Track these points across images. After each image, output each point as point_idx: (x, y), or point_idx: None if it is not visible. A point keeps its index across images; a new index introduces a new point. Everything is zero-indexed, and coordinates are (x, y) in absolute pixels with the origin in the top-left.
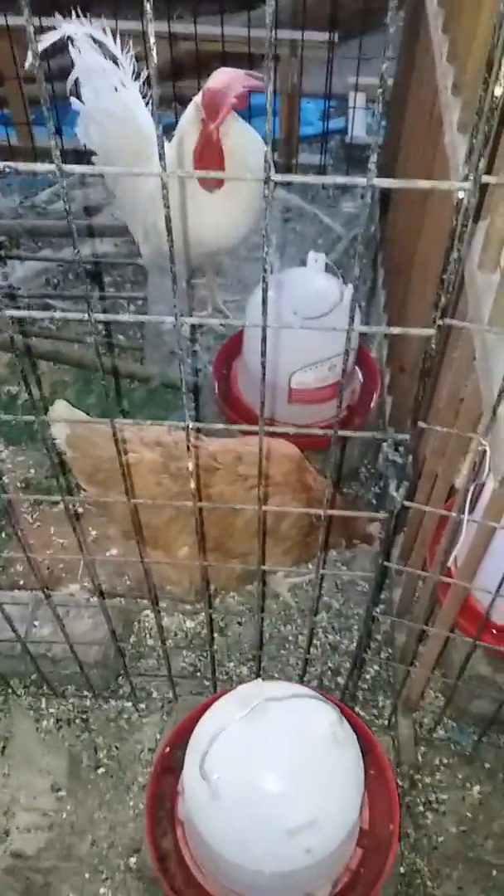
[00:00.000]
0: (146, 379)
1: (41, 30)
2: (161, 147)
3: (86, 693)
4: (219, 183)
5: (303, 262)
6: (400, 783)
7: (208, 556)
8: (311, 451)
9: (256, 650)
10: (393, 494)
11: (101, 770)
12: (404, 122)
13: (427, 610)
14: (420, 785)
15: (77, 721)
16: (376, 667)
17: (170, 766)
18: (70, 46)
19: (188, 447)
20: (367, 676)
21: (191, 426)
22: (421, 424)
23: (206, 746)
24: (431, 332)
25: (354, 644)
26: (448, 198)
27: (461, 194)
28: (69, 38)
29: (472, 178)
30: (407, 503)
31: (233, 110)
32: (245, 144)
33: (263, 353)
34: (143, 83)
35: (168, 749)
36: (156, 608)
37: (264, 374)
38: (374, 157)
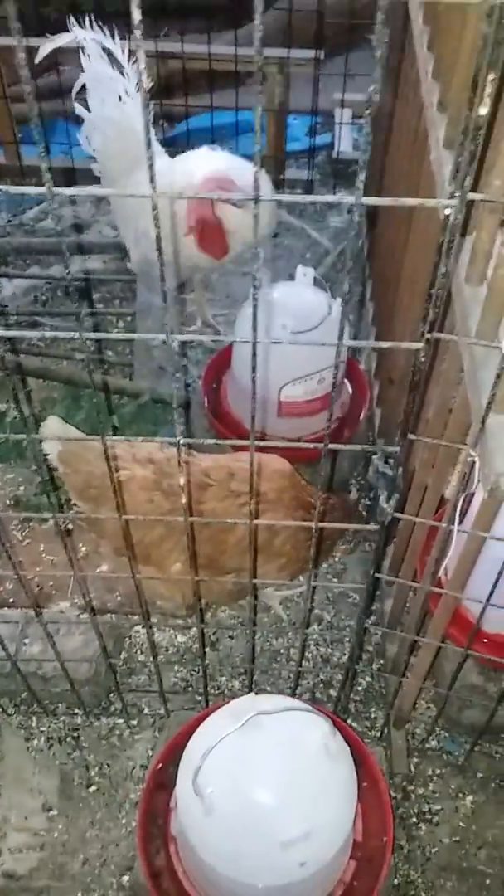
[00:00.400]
0: (136, 394)
1: (29, 51)
2: (152, 169)
3: (77, 711)
4: (224, 253)
5: (291, 277)
6: (393, 794)
7: (201, 573)
8: (302, 464)
9: (248, 664)
10: (383, 506)
11: (92, 788)
12: (391, 136)
13: (418, 621)
14: (413, 796)
15: (68, 739)
16: (368, 678)
17: (162, 783)
18: (81, 53)
19: (178, 462)
20: (360, 688)
21: (181, 442)
22: (410, 436)
23: (200, 761)
24: (420, 345)
25: (346, 656)
26: (434, 213)
27: (448, 211)
28: (80, 46)
29: (458, 195)
30: (397, 514)
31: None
32: (244, 224)
33: (254, 369)
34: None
35: (160, 765)
36: (147, 624)
37: (255, 390)
38: (361, 176)
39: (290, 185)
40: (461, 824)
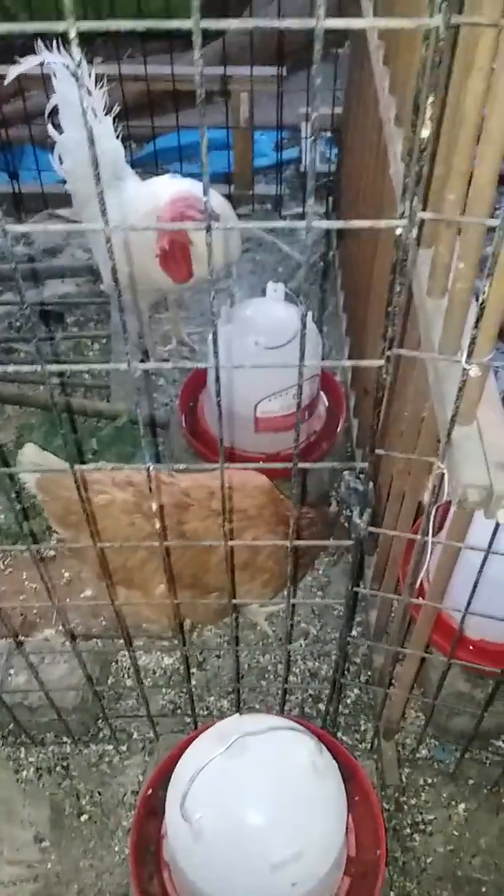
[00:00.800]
0: (113, 416)
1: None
2: (102, 203)
3: (65, 739)
4: (189, 276)
5: (264, 292)
6: (386, 806)
7: (186, 593)
8: (281, 480)
9: (234, 684)
10: (356, 521)
11: (84, 817)
12: (356, 149)
13: (401, 631)
14: (406, 807)
15: (57, 769)
16: (357, 690)
17: (154, 808)
18: (52, 76)
19: (150, 488)
20: (348, 701)
21: (151, 468)
22: (378, 451)
23: (187, 786)
24: (380, 362)
25: (342, 668)
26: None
27: (399, 231)
28: (48, 70)
29: (407, 215)
30: (372, 529)
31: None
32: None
33: (218, 394)
34: (114, 118)
35: (150, 791)
36: (131, 651)
37: (221, 413)
38: (310, 201)
39: (259, 201)
40: (455, 833)
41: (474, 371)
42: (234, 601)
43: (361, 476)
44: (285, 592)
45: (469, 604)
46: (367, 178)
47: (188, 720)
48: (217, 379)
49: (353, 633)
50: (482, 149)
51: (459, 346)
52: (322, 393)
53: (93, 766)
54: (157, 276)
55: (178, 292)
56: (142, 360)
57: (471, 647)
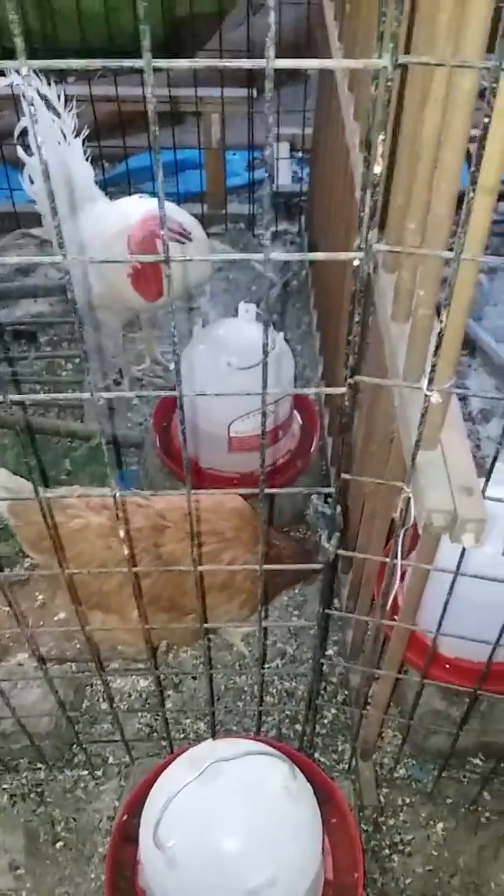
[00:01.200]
0: (88, 437)
1: None
2: (60, 236)
3: (39, 765)
4: (159, 294)
5: (237, 311)
6: (364, 827)
7: (163, 616)
8: (257, 499)
9: (209, 707)
10: (324, 545)
11: (59, 844)
12: (326, 169)
13: (375, 652)
14: (384, 827)
15: (32, 795)
16: (334, 710)
17: (129, 835)
18: (22, 98)
19: (117, 515)
20: (325, 721)
21: (118, 494)
22: (344, 476)
23: (159, 814)
24: (342, 390)
25: (317, 689)
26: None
27: (356, 262)
28: (16, 92)
29: (363, 247)
30: (341, 552)
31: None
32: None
33: (182, 422)
34: (84, 140)
35: (126, 817)
36: (103, 676)
37: (185, 439)
38: (267, 234)
39: (232, 220)
40: (433, 853)
41: (435, 398)
42: (207, 624)
43: (329, 500)
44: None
45: (440, 624)
46: (337, 199)
47: (164, 743)
48: (180, 407)
49: (330, 652)
50: (438, 180)
51: (423, 372)
52: (295, 412)
53: (68, 791)
54: (129, 296)
55: (152, 311)
56: (116, 381)
57: (447, 666)
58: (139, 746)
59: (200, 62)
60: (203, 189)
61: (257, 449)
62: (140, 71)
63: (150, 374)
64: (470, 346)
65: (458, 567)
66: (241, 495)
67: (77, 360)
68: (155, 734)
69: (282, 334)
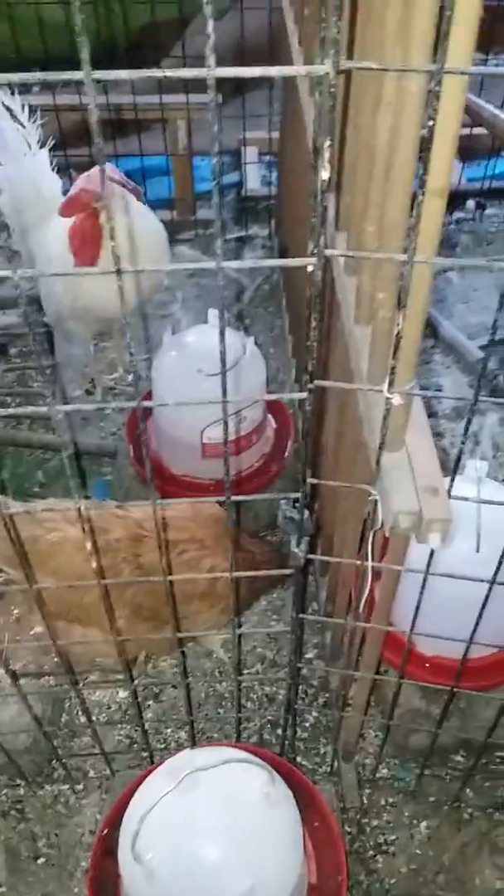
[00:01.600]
0: (60, 448)
1: None
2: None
3: (19, 781)
4: (94, 260)
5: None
6: (348, 829)
7: (145, 626)
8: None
9: (187, 717)
10: (294, 550)
11: (41, 860)
12: (292, 173)
13: (351, 654)
14: (368, 828)
15: (12, 812)
16: (315, 713)
17: (110, 848)
18: None
19: (83, 529)
20: (307, 724)
21: (82, 507)
22: (311, 481)
23: (137, 826)
24: (303, 395)
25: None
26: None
27: (310, 268)
28: None
29: (315, 254)
30: (311, 556)
31: (124, 197)
32: (137, 224)
33: (146, 444)
34: (50, 151)
35: (106, 830)
36: (77, 689)
37: (147, 454)
38: (218, 242)
39: (202, 226)
40: (418, 852)
41: (397, 400)
42: (181, 634)
43: (297, 505)
44: (239, 619)
45: (414, 623)
46: (303, 202)
47: (145, 755)
48: (143, 419)
49: (310, 654)
50: (390, 183)
51: (386, 374)
52: (269, 416)
53: (48, 807)
54: (94, 304)
55: (125, 316)
56: (88, 391)
57: (427, 665)
58: (120, 758)
59: (140, 73)
60: (172, 196)
61: (231, 454)
62: (81, 82)
63: (123, 383)
64: (443, 343)
65: (429, 566)
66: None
67: (48, 371)
68: (136, 745)
69: (252, 339)
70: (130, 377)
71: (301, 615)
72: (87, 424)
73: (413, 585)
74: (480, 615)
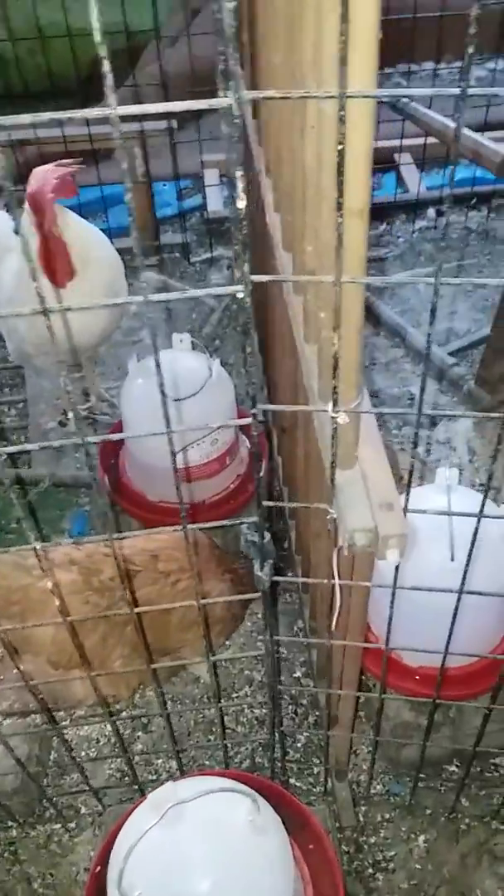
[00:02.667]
0: (36, 482)
1: None
2: None
3: (10, 823)
4: (69, 277)
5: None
6: (345, 848)
7: (143, 660)
8: (212, 530)
9: (173, 747)
10: (258, 574)
11: None
12: (249, 193)
13: (333, 671)
14: (366, 846)
15: (5, 854)
16: (307, 733)
17: (103, 886)
18: None
19: (42, 568)
20: (299, 745)
21: (39, 548)
22: (266, 504)
23: (122, 863)
24: (248, 421)
25: (281, 716)
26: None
27: (240, 295)
28: None
29: (242, 280)
30: (277, 578)
31: (61, 206)
32: (83, 237)
33: (91, 468)
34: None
35: (99, 868)
36: (59, 730)
37: (106, 483)
38: (145, 273)
39: (167, 250)
40: (417, 866)
41: (342, 419)
42: (152, 665)
43: (258, 529)
44: (227, 642)
45: (388, 637)
46: (259, 223)
47: (136, 788)
48: (87, 453)
49: (298, 674)
50: (319, 204)
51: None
52: (243, 435)
53: (42, 847)
54: (61, 334)
55: (92, 349)
56: (61, 423)
57: (417, 677)
58: (112, 793)
59: (69, 113)
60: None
61: (206, 477)
62: None
63: (97, 412)
64: (412, 351)
65: (395, 581)
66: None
67: (21, 405)
68: (127, 779)
69: (217, 361)
70: (104, 405)
71: (276, 637)
72: (62, 456)
73: (381, 603)
74: (453, 624)
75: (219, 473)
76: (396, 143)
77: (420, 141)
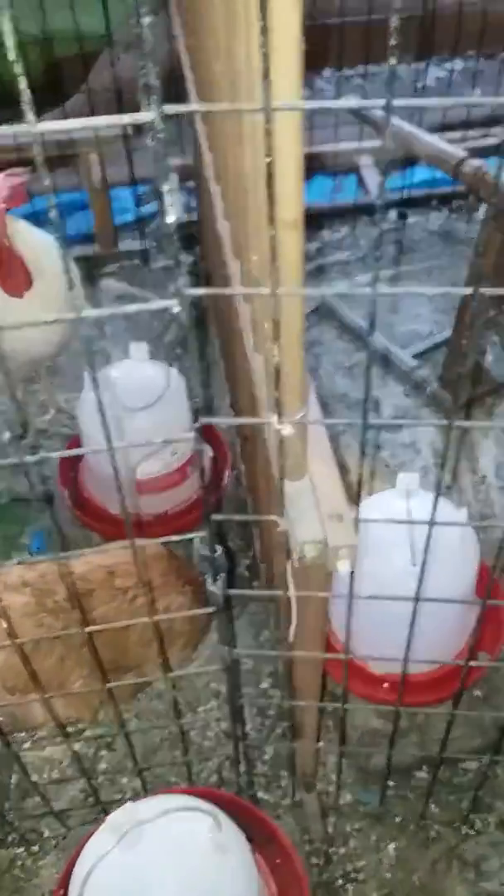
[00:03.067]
0: None
1: None
2: None
3: None
4: (27, 286)
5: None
6: (315, 861)
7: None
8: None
9: (134, 767)
10: (211, 589)
11: None
12: (203, 200)
13: (290, 683)
14: (335, 857)
15: None
16: (275, 745)
17: None
18: None
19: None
20: (266, 757)
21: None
22: (215, 517)
23: (81, 888)
24: (190, 436)
25: (248, 728)
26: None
27: (175, 310)
28: None
29: (177, 294)
30: (232, 591)
31: (12, 216)
32: (36, 247)
33: (64, 484)
34: None
35: (62, 892)
36: (15, 754)
37: (68, 495)
38: (76, 292)
39: (127, 257)
40: (388, 875)
41: (286, 430)
42: (108, 685)
43: (209, 543)
44: (193, 656)
45: (347, 647)
46: (213, 229)
47: (100, 808)
48: (26, 474)
49: (265, 684)
50: (259, 214)
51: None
52: (206, 444)
53: (4, 872)
54: (17, 346)
55: (50, 359)
56: (20, 437)
57: (385, 685)
58: (76, 814)
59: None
60: (92, 230)
61: (169, 487)
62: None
63: (56, 424)
64: (377, 356)
65: (351, 590)
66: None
67: None
68: (91, 799)
69: (176, 370)
70: (64, 416)
71: (235, 651)
72: (20, 470)
73: (356, 608)
74: (412, 631)
75: (181, 484)
76: (356, 145)
77: (380, 143)
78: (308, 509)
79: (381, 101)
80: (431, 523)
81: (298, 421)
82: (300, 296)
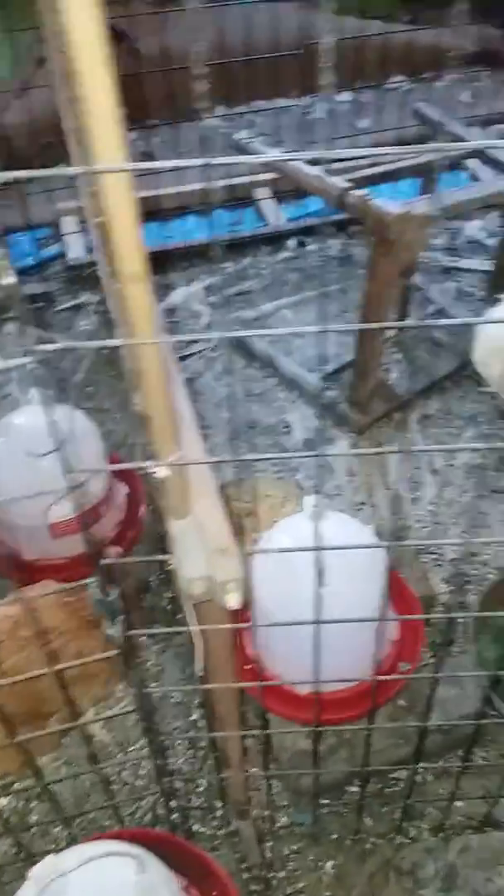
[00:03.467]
0: None
1: None
2: None
3: None
4: None
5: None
6: (254, 888)
7: (26, 728)
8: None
9: (59, 816)
10: (109, 633)
11: None
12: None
13: (213, 713)
14: (275, 882)
15: None
16: (207, 776)
17: None
18: None
19: None
20: (201, 789)
21: None
22: (105, 560)
23: None
24: (84, 478)
25: (180, 762)
26: None
27: (29, 367)
28: None
29: (30, 353)
30: (132, 632)
31: None
32: None
33: None
34: None
35: None
36: None
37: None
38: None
39: (30, 301)
40: (327, 893)
41: (161, 472)
42: (18, 738)
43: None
44: (119, 692)
45: (261, 675)
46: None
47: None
48: None
49: (195, 716)
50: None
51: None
52: (120, 482)
53: None
54: None
55: None
56: None
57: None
58: (9, 870)
59: None
60: None
61: (81, 529)
62: None
63: None
64: (284, 379)
65: (255, 618)
66: (64, 579)
67: None
68: (22, 854)
69: (80, 411)
70: None
71: (145, 690)
72: None
73: (275, 633)
74: (317, 651)
75: (95, 523)
76: (251, 178)
77: (275, 175)
78: (193, 546)
79: (200, 161)
80: (318, 549)
81: (170, 463)
82: (157, 344)
